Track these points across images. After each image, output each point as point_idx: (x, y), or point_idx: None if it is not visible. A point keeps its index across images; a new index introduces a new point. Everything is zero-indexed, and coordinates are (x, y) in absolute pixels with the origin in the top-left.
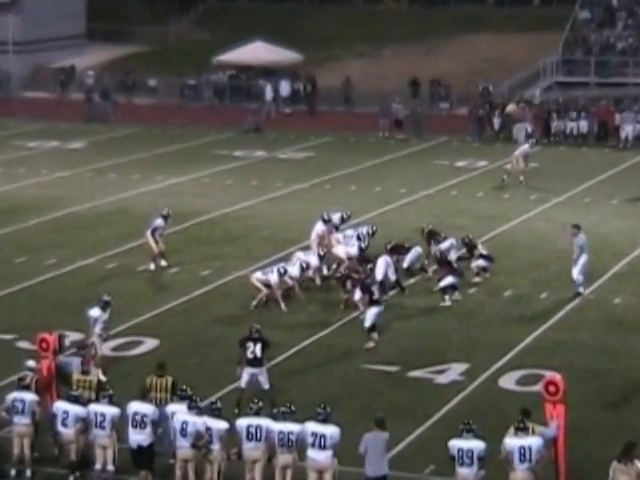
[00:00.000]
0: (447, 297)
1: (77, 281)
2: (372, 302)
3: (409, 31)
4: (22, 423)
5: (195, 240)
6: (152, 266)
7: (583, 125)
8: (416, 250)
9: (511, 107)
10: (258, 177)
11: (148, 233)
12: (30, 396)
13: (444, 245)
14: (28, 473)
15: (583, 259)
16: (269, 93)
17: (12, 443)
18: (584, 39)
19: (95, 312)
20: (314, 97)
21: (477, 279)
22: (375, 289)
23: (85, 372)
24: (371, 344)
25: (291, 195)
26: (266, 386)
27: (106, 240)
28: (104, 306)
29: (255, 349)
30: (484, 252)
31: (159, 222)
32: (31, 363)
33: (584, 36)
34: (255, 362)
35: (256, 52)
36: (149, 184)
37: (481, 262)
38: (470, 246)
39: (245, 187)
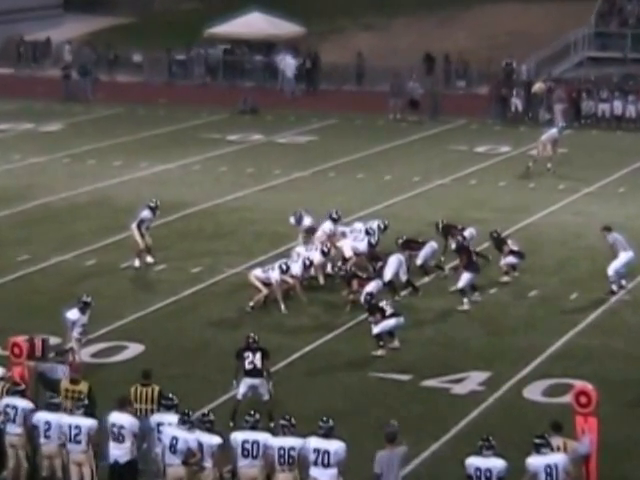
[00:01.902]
0: (465, 300)
1: (51, 280)
2: (389, 317)
3: (422, 1)
4: (14, 432)
5: (183, 234)
6: (137, 263)
7: (617, 106)
8: (431, 245)
9: (538, 86)
10: (254, 164)
11: (134, 226)
12: (24, 403)
13: (465, 233)
14: None
15: (622, 256)
16: (290, 68)
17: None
18: (619, 9)
19: (73, 314)
20: (316, 74)
21: (506, 278)
22: (386, 305)
23: (74, 381)
24: (380, 352)
25: (290, 184)
26: (266, 397)
27: (84, 234)
28: (83, 308)
29: (254, 359)
30: (514, 248)
31: (146, 214)
32: (0, 371)
33: (619, 6)
34: (255, 373)
35: (253, 24)
36: (132, 171)
37: (511, 259)
38: (499, 241)
39: (239, 175)
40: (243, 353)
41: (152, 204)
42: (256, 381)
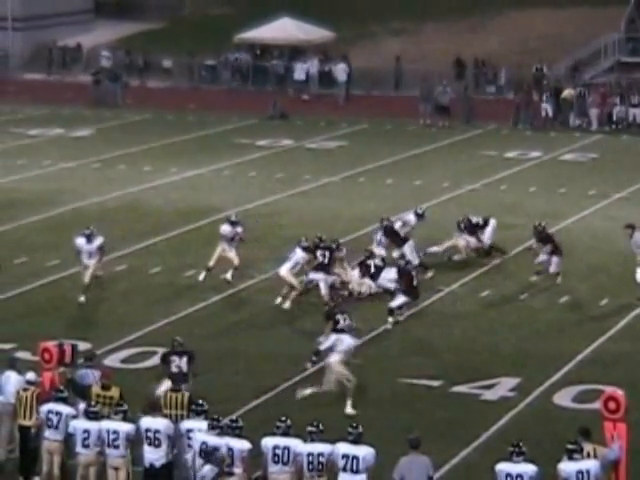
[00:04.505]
0: (391, 319)
1: (81, 285)
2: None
3: (453, 4)
4: (54, 439)
5: (213, 239)
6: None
7: None
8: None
9: (567, 91)
10: (284, 169)
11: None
12: (67, 409)
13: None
14: None
15: None
16: (342, 74)
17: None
18: None
19: (80, 242)
20: (350, 78)
21: (535, 278)
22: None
23: (106, 387)
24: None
25: (320, 189)
26: None
27: (114, 239)
28: (89, 236)
29: (180, 363)
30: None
31: (224, 228)
32: (30, 376)
33: None
34: (180, 377)
35: (283, 29)
36: (162, 177)
37: (547, 258)
38: (543, 236)
39: (269, 180)
40: (169, 357)
41: (233, 218)
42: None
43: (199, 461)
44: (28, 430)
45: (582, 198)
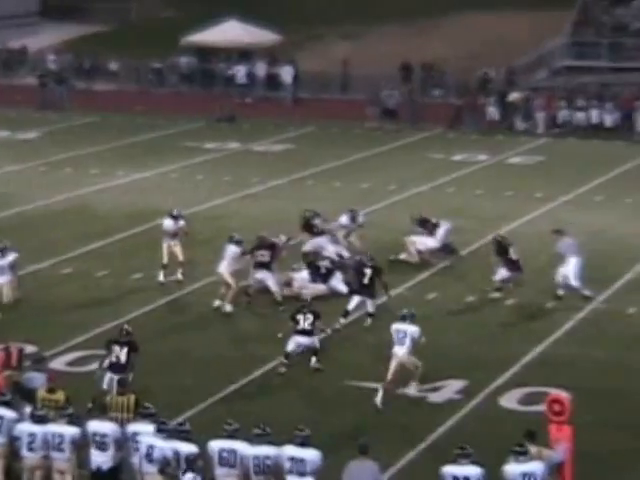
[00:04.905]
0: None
1: (27, 288)
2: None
3: (399, 8)
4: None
5: (160, 243)
6: (161, 277)
7: (594, 115)
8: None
9: (514, 95)
10: (232, 172)
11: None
12: (9, 413)
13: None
14: None
15: (575, 262)
16: (288, 77)
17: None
18: (595, 19)
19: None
20: (297, 82)
21: (496, 294)
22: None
23: (51, 390)
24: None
25: (269, 192)
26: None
27: (60, 242)
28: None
29: (120, 353)
30: (514, 257)
31: (166, 223)
32: None
33: (595, 15)
34: (117, 368)
35: (230, 32)
36: (109, 180)
37: (504, 273)
38: (502, 247)
39: (217, 183)
40: (111, 345)
41: (175, 212)
42: (115, 377)
43: (145, 465)
44: None
45: (529, 201)
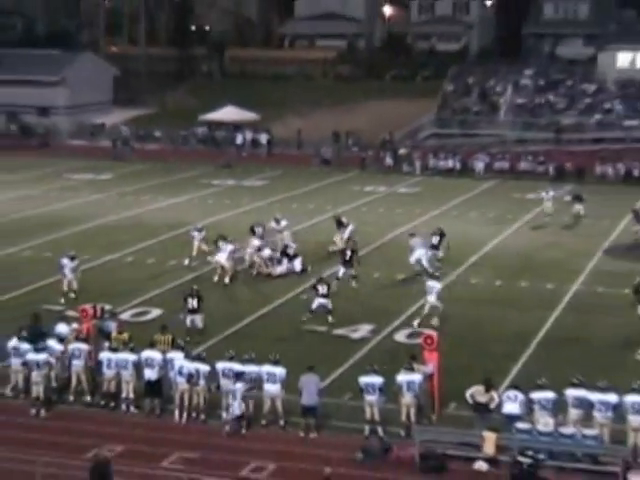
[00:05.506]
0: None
1: (104, 270)
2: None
3: (333, 98)
4: (79, 364)
5: (186, 244)
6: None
7: (450, 162)
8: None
9: (402, 150)
10: (230, 198)
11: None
12: (85, 346)
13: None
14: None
15: (422, 251)
16: (264, 140)
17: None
18: (450, 104)
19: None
20: (270, 143)
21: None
22: (321, 285)
23: (120, 332)
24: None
25: (253, 210)
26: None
27: (125, 242)
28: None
29: (193, 302)
30: (435, 242)
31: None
32: (75, 325)
33: (450, 102)
34: (193, 311)
35: (228, 113)
36: (155, 203)
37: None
38: (441, 235)
39: (221, 205)
40: (187, 298)
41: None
42: (193, 317)
43: (178, 377)
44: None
45: (411, 215)
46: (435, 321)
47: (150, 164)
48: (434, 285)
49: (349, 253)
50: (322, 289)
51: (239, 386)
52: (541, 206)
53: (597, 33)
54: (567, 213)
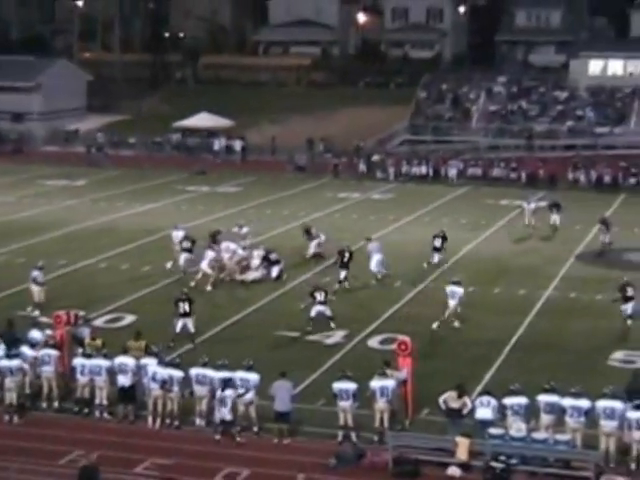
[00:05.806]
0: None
1: (78, 275)
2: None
3: (307, 105)
4: (49, 370)
5: (163, 247)
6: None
7: (424, 169)
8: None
9: (376, 157)
10: (204, 204)
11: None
12: (54, 352)
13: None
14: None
15: (378, 257)
16: (238, 147)
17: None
18: (423, 111)
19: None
20: (245, 150)
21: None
22: (319, 294)
23: (93, 338)
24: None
25: (227, 216)
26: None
27: (99, 248)
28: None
29: (185, 306)
30: (437, 245)
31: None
32: (48, 332)
33: (424, 109)
34: (185, 315)
35: (202, 120)
36: (129, 209)
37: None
38: (443, 238)
39: (195, 211)
40: (178, 302)
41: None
42: (185, 320)
43: (151, 384)
44: None
45: (385, 221)
46: (457, 324)
47: (124, 170)
48: (456, 290)
49: (347, 255)
50: (320, 296)
51: (229, 393)
52: (514, 212)
53: (569, 40)
54: (542, 221)
